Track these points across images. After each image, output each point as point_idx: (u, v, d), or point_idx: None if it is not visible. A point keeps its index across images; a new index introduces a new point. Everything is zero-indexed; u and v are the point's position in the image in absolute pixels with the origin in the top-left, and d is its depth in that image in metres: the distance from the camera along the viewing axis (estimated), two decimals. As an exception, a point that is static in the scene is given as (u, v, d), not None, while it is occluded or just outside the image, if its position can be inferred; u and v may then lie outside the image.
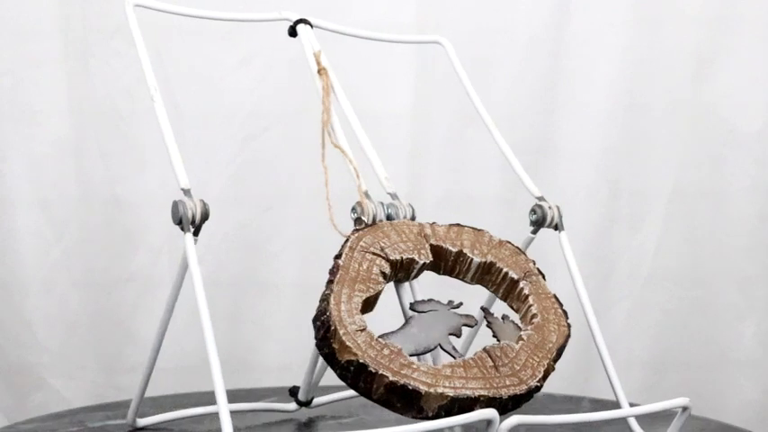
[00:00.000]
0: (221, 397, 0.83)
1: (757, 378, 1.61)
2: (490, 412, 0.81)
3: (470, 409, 0.82)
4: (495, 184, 1.61)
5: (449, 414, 0.82)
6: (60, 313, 1.60)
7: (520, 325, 0.93)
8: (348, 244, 0.90)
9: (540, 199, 1.04)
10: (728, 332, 1.61)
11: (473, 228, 0.98)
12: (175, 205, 0.93)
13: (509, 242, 0.99)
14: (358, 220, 0.94)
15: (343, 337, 0.83)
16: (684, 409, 0.92)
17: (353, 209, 0.93)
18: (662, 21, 1.59)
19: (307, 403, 1.19)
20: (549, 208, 1.05)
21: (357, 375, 0.82)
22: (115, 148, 1.59)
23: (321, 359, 1.07)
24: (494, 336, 0.91)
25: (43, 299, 1.60)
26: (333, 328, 0.83)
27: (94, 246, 1.60)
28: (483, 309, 0.94)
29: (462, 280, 0.96)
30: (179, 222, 0.93)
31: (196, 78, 1.59)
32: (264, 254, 1.61)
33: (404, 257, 0.91)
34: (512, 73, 1.60)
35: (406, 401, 0.82)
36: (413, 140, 1.60)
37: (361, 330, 0.84)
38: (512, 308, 0.96)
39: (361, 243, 0.90)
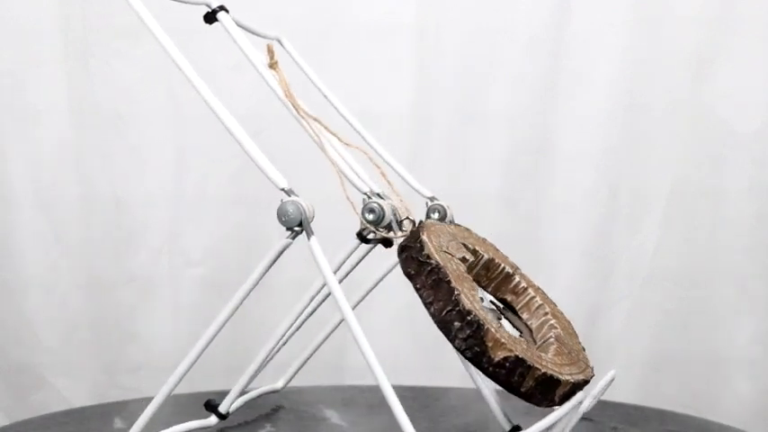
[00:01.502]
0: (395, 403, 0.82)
1: (756, 378, 1.61)
2: (582, 395, 0.86)
3: (573, 394, 0.86)
4: (495, 183, 1.61)
5: (564, 401, 0.85)
6: (61, 313, 1.61)
7: (520, 316, 0.95)
8: (430, 244, 0.88)
9: (433, 199, 1.04)
10: (727, 332, 1.61)
11: (464, 226, 0.99)
12: (292, 206, 0.84)
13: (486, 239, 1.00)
14: (384, 222, 0.91)
15: (497, 334, 0.83)
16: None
17: (372, 209, 0.91)
18: (662, 21, 1.59)
19: (227, 415, 1.06)
20: (448, 207, 1.05)
21: (512, 371, 0.83)
22: (115, 148, 1.60)
23: (256, 366, 1.04)
24: (514, 326, 0.92)
25: (43, 299, 1.60)
26: (485, 326, 0.83)
27: (94, 246, 1.61)
28: (492, 302, 0.94)
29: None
30: (298, 225, 0.85)
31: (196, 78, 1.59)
32: (264, 254, 1.61)
33: (461, 256, 0.92)
34: (512, 73, 1.60)
35: (547, 392, 0.84)
36: (413, 140, 1.60)
37: (499, 327, 0.85)
38: (503, 301, 0.97)
39: (434, 244, 0.89)
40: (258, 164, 0.85)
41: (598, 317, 1.62)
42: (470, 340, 0.83)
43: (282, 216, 0.84)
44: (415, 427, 0.80)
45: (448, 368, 1.21)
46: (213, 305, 1.61)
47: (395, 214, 0.92)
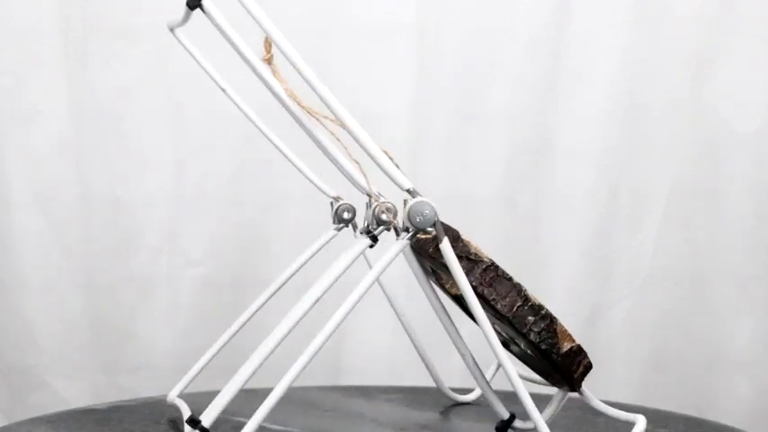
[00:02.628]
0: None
1: (756, 378, 1.61)
2: None
3: None
4: (495, 183, 1.61)
5: None
6: (60, 313, 1.61)
7: None
8: (473, 243, 0.91)
9: (338, 199, 1.03)
10: (726, 332, 1.61)
11: None
12: (428, 206, 0.81)
13: None
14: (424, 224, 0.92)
15: (563, 326, 0.88)
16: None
17: (387, 209, 0.89)
18: (662, 21, 1.59)
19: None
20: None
21: (573, 360, 0.89)
22: (115, 148, 1.60)
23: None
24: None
25: (43, 299, 1.60)
26: (556, 320, 0.88)
27: (94, 246, 1.61)
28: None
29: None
30: (432, 226, 0.82)
31: (196, 77, 1.59)
32: (264, 254, 1.62)
33: None
34: (512, 73, 1.60)
35: (584, 377, 0.90)
36: (413, 140, 1.60)
37: None
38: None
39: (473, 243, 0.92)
40: (382, 165, 0.82)
41: (598, 317, 1.62)
42: (544, 333, 0.88)
43: (418, 216, 0.82)
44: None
45: (447, 368, 1.21)
46: (213, 305, 1.62)
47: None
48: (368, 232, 0.89)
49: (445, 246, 0.82)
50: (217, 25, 0.83)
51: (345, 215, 1.05)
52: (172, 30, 0.97)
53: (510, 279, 0.88)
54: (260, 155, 1.60)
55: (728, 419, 1.32)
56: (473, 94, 1.61)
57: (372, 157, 0.82)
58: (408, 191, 0.82)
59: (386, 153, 0.90)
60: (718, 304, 1.61)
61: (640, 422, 0.92)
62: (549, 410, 0.94)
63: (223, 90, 1.01)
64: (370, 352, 1.60)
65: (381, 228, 0.87)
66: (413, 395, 1.21)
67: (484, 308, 0.90)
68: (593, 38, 1.59)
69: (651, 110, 1.59)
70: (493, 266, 0.88)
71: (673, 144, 1.60)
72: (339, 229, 1.07)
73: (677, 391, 1.60)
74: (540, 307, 0.88)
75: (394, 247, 0.83)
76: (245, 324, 1.08)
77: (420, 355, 1.12)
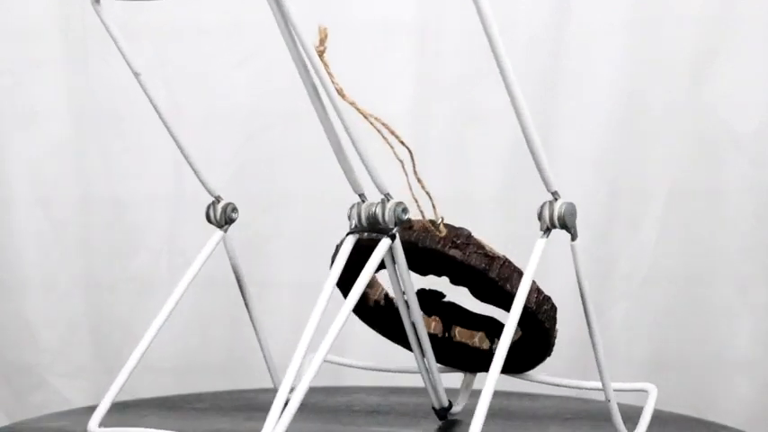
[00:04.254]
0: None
1: (756, 378, 1.61)
2: None
3: None
4: (495, 184, 1.61)
5: None
6: (60, 313, 1.61)
7: None
8: (485, 243, 0.94)
9: (219, 199, 1.05)
10: (726, 332, 1.61)
11: None
12: (574, 208, 0.86)
13: None
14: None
15: None
16: None
17: (405, 209, 0.91)
18: (662, 21, 1.59)
19: None
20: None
21: (555, 337, 0.99)
22: (115, 148, 1.60)
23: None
24: None
25: (43, 299, 1.60)
26: (556, 308, 0.97)
27: (94, 246, 1.61)
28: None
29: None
30: (572, 226, 0.85)
31: (196, 78, 1.59)
32: (264, 254, 1.62)
33: None
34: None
35: None
36: (413, 140, 1.60)
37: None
38: None
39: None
40: (540, 165, 0.86)
41: (598, 317, 1.61)
42: (553, 320, 0.96)
43: (569, 216, 0.86)
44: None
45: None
46: (212, 305, 1.62)
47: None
48: (378, 231, 0.89)
49: (576, 245, 0.87)
50: (283, 14, 0.81)
51: (234, 215, 1.07)
52: (95, 3, 0.97)
53: (521, 273, 0.91)
54: (260, 155, 1.60)
55: (728, 419, 1.32)
56: (473, 94, 1.61)
57: (533, 151, 0.86)
58: (554, 193, 0.86)
59: (411, 152, 0.92)
60: (718, 304, 1.61)
61: (653, 392, 0.94)
62: (465, 396, 1.04)
63: (136, 75, 1.01)
64: (372, 351, 1.60)
65: (397, 227, 0.89)
66: (215, 400, 1.21)
67: (503, 302, 0.92)
68: (593, 38, 1.59)
69: (651, 110, 1.59)
70: (507, 262, 0.90)
71: (673, 144, 1.60)
72: (226, 230, 1.07)
73: (677, 391, 1.60)
74: (549, 297, 0.94)
75: (537, 247, 0.85)
76: (153, 339, 1.04)
77: (265, 357, 1.14)
